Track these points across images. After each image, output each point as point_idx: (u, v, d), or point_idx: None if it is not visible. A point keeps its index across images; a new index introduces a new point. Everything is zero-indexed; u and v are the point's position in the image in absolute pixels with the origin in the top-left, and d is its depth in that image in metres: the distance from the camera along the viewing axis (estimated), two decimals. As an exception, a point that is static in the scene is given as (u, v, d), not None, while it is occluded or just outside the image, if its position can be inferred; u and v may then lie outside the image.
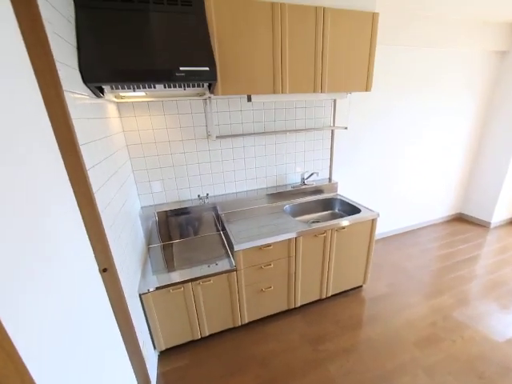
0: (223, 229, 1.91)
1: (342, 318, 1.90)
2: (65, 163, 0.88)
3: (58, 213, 0.81)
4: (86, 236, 0.98)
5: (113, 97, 1.48)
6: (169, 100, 1.72)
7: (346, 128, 2.09)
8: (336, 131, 2.30)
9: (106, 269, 1.05)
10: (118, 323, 1.14)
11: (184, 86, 1.43)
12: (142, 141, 1.76)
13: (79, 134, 0.92)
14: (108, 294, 1.08)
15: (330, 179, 2.40)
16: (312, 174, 2.14)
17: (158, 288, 1.45)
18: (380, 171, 2.71)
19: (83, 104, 1.04)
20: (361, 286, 2.19)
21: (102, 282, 1.05)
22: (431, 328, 1.78)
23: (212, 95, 1.52)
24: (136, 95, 1.57)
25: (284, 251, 1.70)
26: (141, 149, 1.77)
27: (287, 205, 2.13)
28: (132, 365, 1.25)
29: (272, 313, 1.86)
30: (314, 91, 1.63)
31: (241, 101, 1.91)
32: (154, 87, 1.39)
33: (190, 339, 1.66)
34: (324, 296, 1.99)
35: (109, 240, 1.05)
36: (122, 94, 1.54)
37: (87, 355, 0.85)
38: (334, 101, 2.17)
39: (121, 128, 1.65)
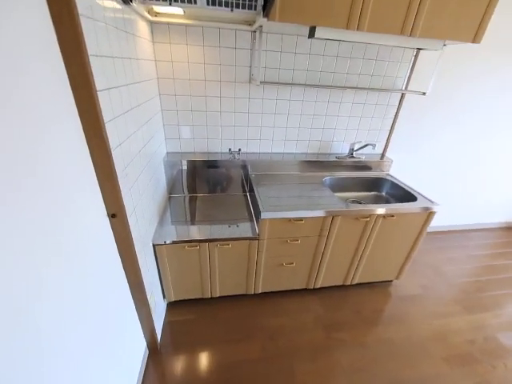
0: (251, 190, 1.71)
1: (363, 309, 1.72)
2: (69, 76, 0.68)
3: (59, 137, 0.64)
4: (94, 175, 0.82)
5: (145, 11, 1.21)
6: (210, 26, 1.41)
7: (424, 94, 1.64)
8: (406, 98, 1.84)
9: (115, 214, 0.91)
10: (125, 271, 1.05)
11: (231, 6, 1.11)
12: (175, 75, 1.51)
13: (89, 36, 0.70)
14: (116, 241, 0.97)
15: (382, 155, 2.02)
16: (365, 146, 1.79)
17: (173, 242, 1.35)
18: (442, 158, 2.23)
19: (105, 8, 0.80)
20: (390, 281, 1.96)
21: (109, 228, 0.93)
22: (468, 346, 1.54)
23: (264, 24, 1.18)
24: (172, 12, 1.27)
25: (316, 229, 1.48)
26: (172, 85, 1.53)
27: (327, 177, 1.84)
28: (137, 312, 1.20)
29: (288, 288, 1.74)
30: (402, 33, 1.20)
31: (297, 40, 1.52)
32: (195, 2, 1.09)
33: (199, 296, 1.61)
34: (348, 283, 1.80)
35: (121, 183, 0.89)
36: (155, 9, 1.25)
37: (92, 298, 0.82)
38: (415, 55, 1.68)
39: (152, 55, 1.40)
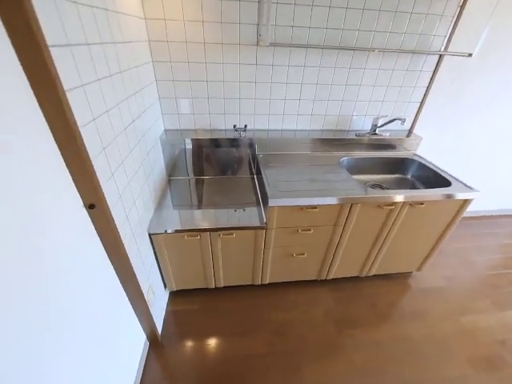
0: (258, 173, 1.53)
1: (379, 303, 1.59)
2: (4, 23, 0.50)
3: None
4: (61, 159, 0.67)
5: (126, -51, 0.97)
6: (209, -29, 1.15)
7: (469, 55, 1.34)
8: (444, 63, 1.53)
9: (93, 205, 0.77)
10: (113, 265, 0.94)
11: None
12: (169, 37, 1.29)
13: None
14: (99, 234, 0.84)
15: (409, 132, 1.76)
16: (392, 121, 1.54)
17: (171, 231, 1.21)
18: (482, 138, 1.93)
19: None
20: (410, 272, 1.79)
21: (89, 221, 0.79)
22: (497, 347, 1.39)
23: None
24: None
25: (331, 217, 1.31)
26: (167, 48, 1.31)
27: (345, 158, 1.62)
28: (133, 306, 1.11)
29: (298, 279, 1.61)
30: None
31: (315, -13, 1.24)
32: None
33: (203, 286, 1.51)
34: (364, 274, 1.65)
35: (98, 167, 0.74)
36: None
37: (75, 295, 0.74)
38: (462, 5, 1.35)
39: (141, 11, 1.18)
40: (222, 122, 1.58)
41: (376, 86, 1.57)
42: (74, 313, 0.73)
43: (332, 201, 1.21)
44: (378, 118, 1.60)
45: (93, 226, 0.81)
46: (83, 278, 0.77)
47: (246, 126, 1.54)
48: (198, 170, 1.65)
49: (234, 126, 1.54)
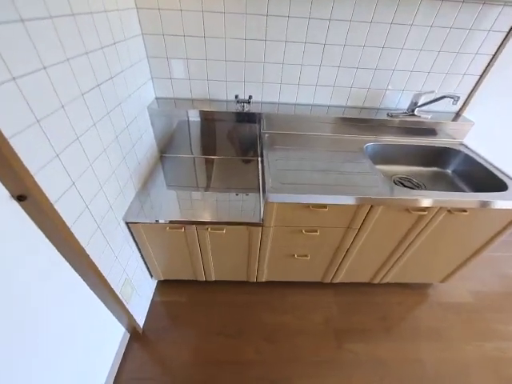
0: (262, 155, 1.28)
1: (389, 315, 1.38)
2: None
3: None
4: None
5: None
6: None
7: None
8: (527, 18, 1.12)
9: (24, 196, 0.59)
10: (69, 263, 0.78)
11: None
12: (156, -26, 0.99)
13: None
14: (41, 229, 0.67)
15: (457, 114, 1.40)
16: (440, 99, 1.19)
17: (151, 222, 1.04)
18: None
19: None
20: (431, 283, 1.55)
21: (24, 214, 0.62)
22: (529, 385, 1.17)
23: None
24: None
25: (344, 219, 1.07)
26: (152, -10, 1.03)
27: (371, 143, 1.32)
28: (104, 303, 0.98)
29: (298, 280, 1.43)
30: None
31: None
32: None
33: (192, 278, 1.38)
34: (376, 281, 1.43)
35: (28, 144, 0.54)
36: None
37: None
38: None
39: None
40: (222, 90, 1.31)
41: (423, 50, 1.20)
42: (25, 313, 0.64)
43: (347, 200, 0.96)
44: (420, 95, 1.25)
45: (31, 220, 0.64)
46: (31, 277, 0.63)
47: (250, 97, 1.26)
48: (195, 148, 1.42)
49: (236, 97, 1.26)
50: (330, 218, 1.06)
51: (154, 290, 1.41)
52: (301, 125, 1.32)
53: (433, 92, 1.20)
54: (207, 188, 1.23)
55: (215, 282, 1.40)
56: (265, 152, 1.17)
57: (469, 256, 1.28)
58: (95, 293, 0.92)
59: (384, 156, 1.38)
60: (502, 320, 1.40)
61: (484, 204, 0.98)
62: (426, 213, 1.01)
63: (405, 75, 1.27)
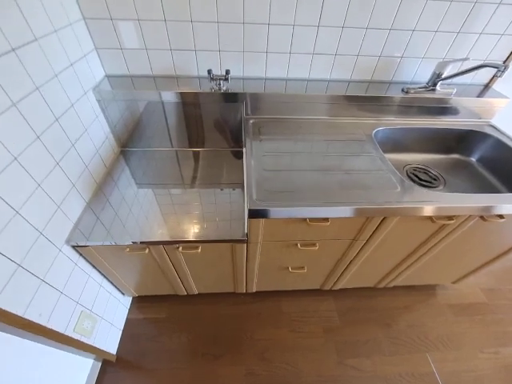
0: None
1: (396, 322, 1.24)
2: None
3: None
4: None
5: None
6: None
7: None
8: None
9: None
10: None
11: None
12: None
13: None
14: None
15: (486, 87, 1.14)
16: (478, 68, 0.91)
17: (111, 244, 0.81)
18: None
19: None
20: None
21: None
22: (549, 397, 1.07)
23: None
24: None
25: (350, 232, 0.86)
26: None
27: (381, 128, 1.07)
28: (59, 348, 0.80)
29: (294, 289, 1.26)
30: None
31: None
32: None
33: (171, 293, 1.19)
34: (382, 286, 1.27)
35: None
36: None
37: None
38: None
39: None
40: (192, 64, 1.01)
41: (455, 1, 0.90)
42: None
43: (355, 213, 0.74)
44: (446, 63, 0.97)
45: None
46: None
47: (227, 72, 0.96)
48: (164, 140, 1.15)
49: (210, 73, 0.97)
50: (333, 232, 0.84)
51: (129, 307, 1.23)
52: (294, 107, 1.05)
53: (467, 59, 0.93)
54: (178, 186, 0.99)
55: (199, 294, 1.22)
56: (248, 145, 0.92)
57: (491, 259, 1.10)
58: (41, 342, 0.72)
59: (396, 142, 1.13)
60: (517, 321, 1.28)
61: (525, 208, 0.77)
62: (453, 221, 0.80)
63: (426, 37, 0.98)
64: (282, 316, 1.23)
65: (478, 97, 1.07)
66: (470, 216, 0.81)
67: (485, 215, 0.80)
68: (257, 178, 0.78)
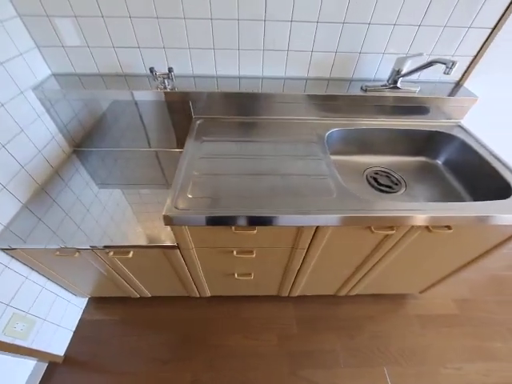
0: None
1: (358, 333, 1.19)
2: None
3: None
4: None
5: None
6: None
7: None
8: None
9: None
10: None
11: None
12: None
13: None
14: None
15: (457, 85, 1.05)
16: (429, 65, 0.84)
17: (42, 248, 0.80)
18: None
19: None
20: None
21: None
22: (513, 420, 1.00)
23: None
24: None
25: (284, 240, 0.81)
26: None
27: (337, 128, 1.00)
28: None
29: (249, 294, 1.22)
30: None
31: None
32: None
33: (123, 295, 1.17)
34: (342, 294, 1.22)
35: None
36: None
37: None
38: None
39: None
40: (138, 62, 0.98)
41: (412, -7, 0.83)
42: None
43: (282, 221, 0.69)
44: (404, 59, 0.90)
45: None
46: None
47: (170, 69, 0.93)
48: (119, 139, 1.13)
49: (152, 71, 0.93)
50: (265, 240, 0.80)
51: (84, 308, 1.22)
52: (247, 106, 1.00)
53: (421, 55, 0.85)
54: (124, 187, 0.97)
55: (156, 297, 1.20)
56: (186, 147, 0.88)
57: (453, 271, 1.03)
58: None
59: (356, 144, 1.07)
60: (488, 335, 1.20)
61: (476, 220, 0.71)
62: (393, 232, 0.74)
63: (385, 31, 0.91)
64: (238, 322, 1.20)
65: (449, 96, 1.00)
66: (413, 227, 0.75)
67: (430, 226, 0.74)
68: (183, 183, 0.74)
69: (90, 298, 1.25)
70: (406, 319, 1.24)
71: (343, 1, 0.84)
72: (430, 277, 1.10)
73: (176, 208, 0.67)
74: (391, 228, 0.74)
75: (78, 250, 0.81)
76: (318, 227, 0.73)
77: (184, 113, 1.01)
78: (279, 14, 0.86)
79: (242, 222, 0.67)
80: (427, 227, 0.75)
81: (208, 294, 1.17)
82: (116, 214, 0.89)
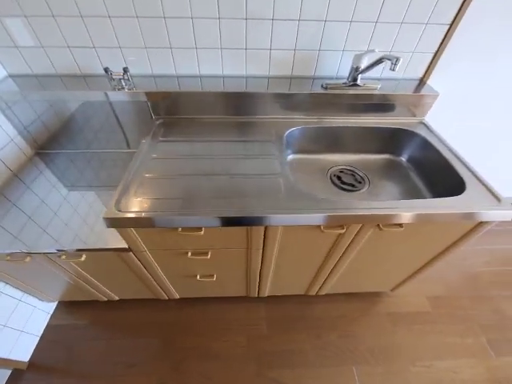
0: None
1: (328, 333, 1.18)
2: None
3: None
4: None
5: None
6: None
7: None
8: None
9: None
10: None
11: None
12: None
13: None
14: None
15: (421, 82, 1.05)
16: (378, 63, 0.84)
17: (-18, 250, 0.78)
18: None
19: None
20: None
21: None
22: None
23: None
24: None
25: (235, 240, 0.80)
26: None
27: (298, 126, 0.99)
28: None
29: (219, 296, 1.21)
30: None
31: None
32: None
33: (92, 299, 1.16)
34: (312, 293, 1.21)
35: None
36: None
37: None
38: None
39: None
40: (95, 62, 0.96)
41: (365, -11, 0.82)
42: None
43: (221, 222, 0.68)
44: (360, 56, 0.89)
45: None
46: None
47: (126, 69, 0.91)
48: (85, 141, 1.12)
49: (107, 71, 0.91)
50: (216, 241, 0.79)
51: (52, 313, 1.21)
52: (208, 106, 0.99)
53: (373, 51, 0.84)
54: (85, 189, 0.96)
55: (125, 300, 1.19)
56: (140, 148, 0.86)
57: (419, 268, 1.03)
58: None
59: (322, 142, 1.06)
60: (460, 332, 1.20)
61: (422, 218, 0.70)
62: (343, 230, 0.74)
63: (342, 28, 0.90)
64: (208, 323, 1.19)
65: (412, 92, 0.99)
66: (363, 225, 0.74)
67: (380, 224, 0.73)
68: (130, 184, 0.73)
69: (58, 303, 1.23)
70: (377, 317, 1.23)
71: (296, -2, 0.83)
72: (397, 275, 1.09)
73: (119, 210, 0.66)
74: (341, 227, 0.73)
75: (29, 254, 0.80)
76: (266, 227, 0.73)
77: (144, 113, 1.00)
78: (232, 12, 0.85)
79: (183, 223, 0.66)
80: (378, 226, 0.74)
81: (176, 296, 1.16)
82: (89, 217, 0.87)
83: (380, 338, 1.17)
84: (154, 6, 0.83)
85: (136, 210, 0.66)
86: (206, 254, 0.83)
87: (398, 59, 0.72)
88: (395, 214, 0.68)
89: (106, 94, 0.94)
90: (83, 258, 0.81)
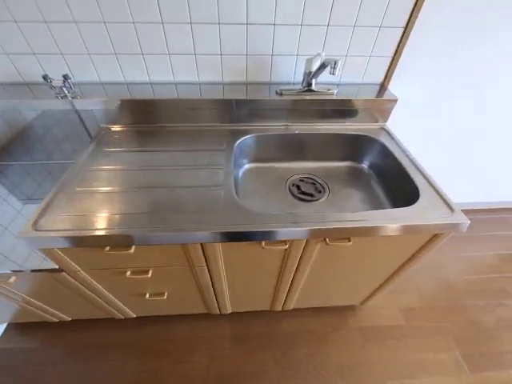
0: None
1: (293, 351, 1.12)
2: None
3: None
4: None
5: None
6: None
7: None
8: None
9: None
10: None
11: None
12: None
13: None
14: None
15: (382, 87, 1.01)
16: (322, 68, 0.80)
17: None
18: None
19: None
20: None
21: None
22: None
23: None
24: None
25: (176, 258, 0.74)
26: None
27: (250, 134, 0.95)
28: None
29: (178, 313, 1.14)
30: None
31: None
32: None
33: (42, 320, 1.08)
34: (278, 309, 1.15)
35: None
36: None
37: None
38: None
39: None
40: (37, 69, 0.92)
41: (312, -9, 0.79)
42: None
43: (149, 240, 0.62)
44: (310, 61, 0.85)
45: None
46: None
47: (66, 77, 0.86)
48: (44, 152, 1.06)
49: (45, 78, 0.86)
50: (152, 258, 0.73)
51: (0, 335, 1.13)
52: (156, 114, 0.95)
53: (319, 55, 0.81)
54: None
55: (76, 320, 1.11)
56: (77, 160, 0.81)
57: (384, 280, 0.98)
58: None
59: (282, 150, 1.02)
60: (433, 346, 1.14)
61: (364, 232, 0.65)
62: (286, 246, 0.68)
63: (293, 32, 0.87)
64: (167, 344, 1.11)
65: (371, 98, 0.96)
66: (308, 240, 0.69)
67: (326, 239, 0.68)
68: (55, 199, 0.67)
69: (8, 325, 1.16)
70: (348, 332, 1.17)
71: (241, 1, 0.80)
72: (363, 288, 1.03)
73: (36, 230, 0.60)
74: (284, 243, 0.68)
75: (-50, 276, 0.73)
76: (202, 244, 0.67)
77: (90, 122, 0.95)
78: (175, 17, 0.81)
79: (106, 241, 0.61)
80: (325, 240, 0.69)
81: (132, 315, 1.09)
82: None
83: (350, 355, 1.11)
84: (93, 10, 0.79)
85: (57, 228, 0.61)
86: (147, 272, 0.77)
87: (336, 62, 0.68)
88: (336, 227, 0.63)
89: (49, 103, 0.89)
90: (12, 280, 0.75)
